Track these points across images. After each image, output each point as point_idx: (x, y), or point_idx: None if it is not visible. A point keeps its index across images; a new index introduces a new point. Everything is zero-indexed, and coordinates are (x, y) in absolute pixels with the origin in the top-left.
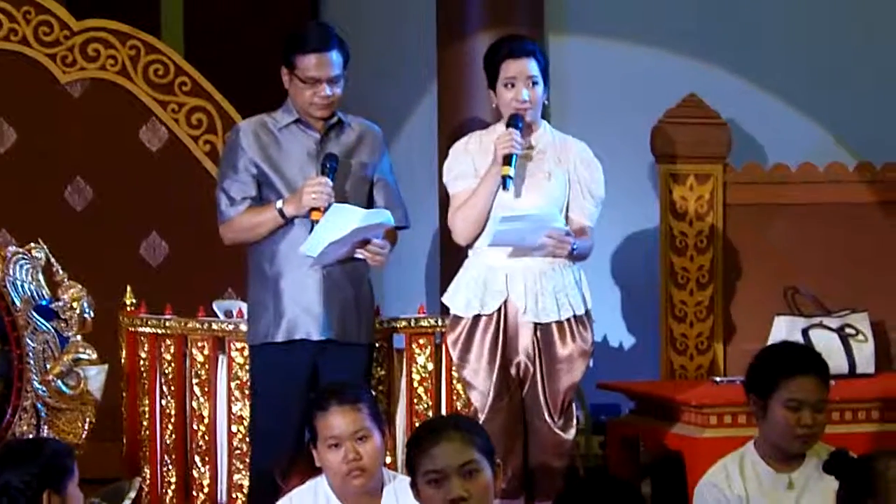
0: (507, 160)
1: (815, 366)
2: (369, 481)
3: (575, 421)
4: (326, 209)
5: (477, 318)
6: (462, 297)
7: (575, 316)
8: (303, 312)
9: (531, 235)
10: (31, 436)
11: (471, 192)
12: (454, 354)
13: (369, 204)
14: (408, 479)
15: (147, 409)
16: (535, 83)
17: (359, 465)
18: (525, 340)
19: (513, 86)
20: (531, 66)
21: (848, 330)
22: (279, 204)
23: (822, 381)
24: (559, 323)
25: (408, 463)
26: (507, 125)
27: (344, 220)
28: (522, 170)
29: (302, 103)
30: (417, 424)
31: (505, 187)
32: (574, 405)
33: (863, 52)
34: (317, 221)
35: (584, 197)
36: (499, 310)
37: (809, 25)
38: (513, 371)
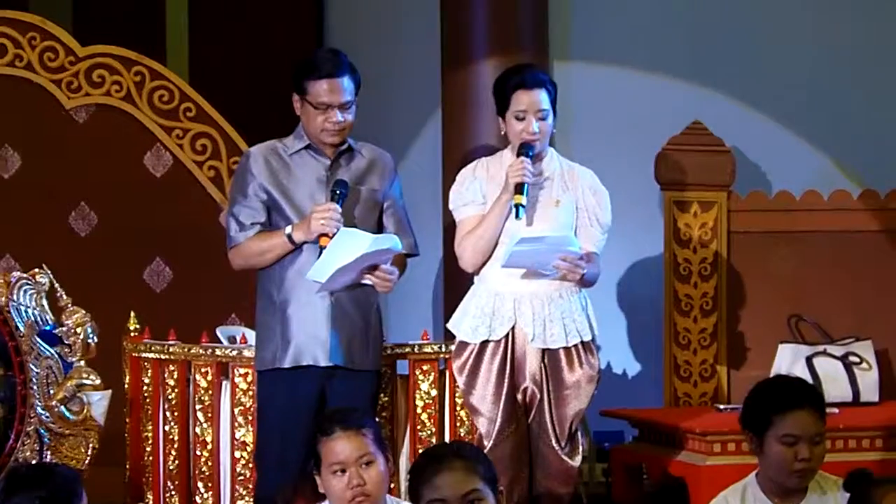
0: (520, 189)
1: (809, 399)
2: None
3: (581, 448)
4: (335, 235)
5: (484, 344)
6: (469, 323)
7: (582, 342)
8: (309, 338)
9: (545, 258)
10: (34, 461)
11: (478, 218)
12: (460, 381)
13: (379, 231)
14: None
15: (150, 434)
16: (545, 116)
17: (363, 490)
18: (532, 366)
19: (523, 118)
20: (542, 99)
21: (852, 358)
22: (288, 230)
23: (817, 414)
24: (566, 349)
25: (410, 491)
26: (518, 154)
27: (352, 246)
28: (531, 197)
29: (313, 129)
30: (420, 451)
31: (517, 216)
32: (580, 432)
33: (868, 80)
34: (325, 247)
35: (592, 224)
36: (506, 336)
37: (814, 53)
38: (520, 397)
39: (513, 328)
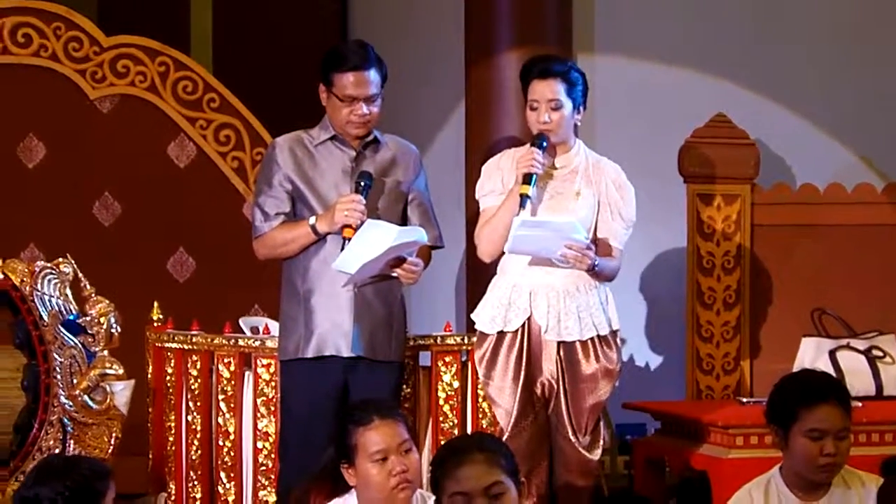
0: (527, 179)
1: (835, 394)
2: (412, 494)
3: (601, 441)
4: (359, 227)
5: (502, 335)
6: (487, 313)
7: (599, 336)
8: (333, 328)
9: (551, 244)
10: (57, 450)
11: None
12: (480, 371)
13: (403, 223)
14: (431, 496)
15: (173, 424)
16: (558, 106)
17: (406, 476)
18: (549, 359)
19: (536, 108)
20: (554, 89)
21: (875, 352)
22: (312, 220)
23: (842, 409)
24: (583, 342)
25: (432, 483)
26: (532, 144)
27: (379, 238)
28: (552, 188)
29: (339, 121)
30: (442, 443)
31: (522, 206)
32: (601, 425)
33: (892, 73)
34: (348, 239)
35: (614, 219)
36: (523, 327)
37: (837, 46)
38: (538, 389)
39: (529, 320)
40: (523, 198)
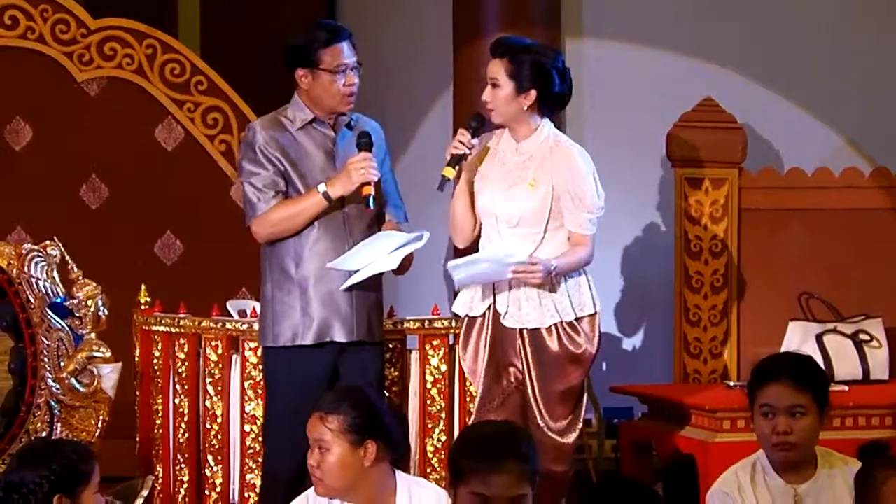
0: (454, 161)
1: (788, 371)
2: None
3: (579, 426)
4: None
5: (472, 319)
6: (462, 298)
7: (564, 322)
8: (333, 315)
9: (494, 271)
10: (44, 433)
11: None
12: (458, 352)
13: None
14: (424, 482)
15: (160, 407)
16: (495, 84)
17: (312, 471)
18: (512, 345)
19: (486, 87)
20: (495, 68)
21: (862, 336)
22: (322, 187)
23: (797, 386)
24: (548, 328)
25: (453, 464)
26: (465, 123)
27: (382, 245)
28: (509, 177)
29: (331, 98)
30: (471, 424)
31: (440, 188)
32: (580, 410)
33: (880, 57)
34: (370, 195)
35: (576, 206)
36: (489, 312)
37: (826, 30)
38: (508, 374)
39: (495, 307)
40: (443, 180)
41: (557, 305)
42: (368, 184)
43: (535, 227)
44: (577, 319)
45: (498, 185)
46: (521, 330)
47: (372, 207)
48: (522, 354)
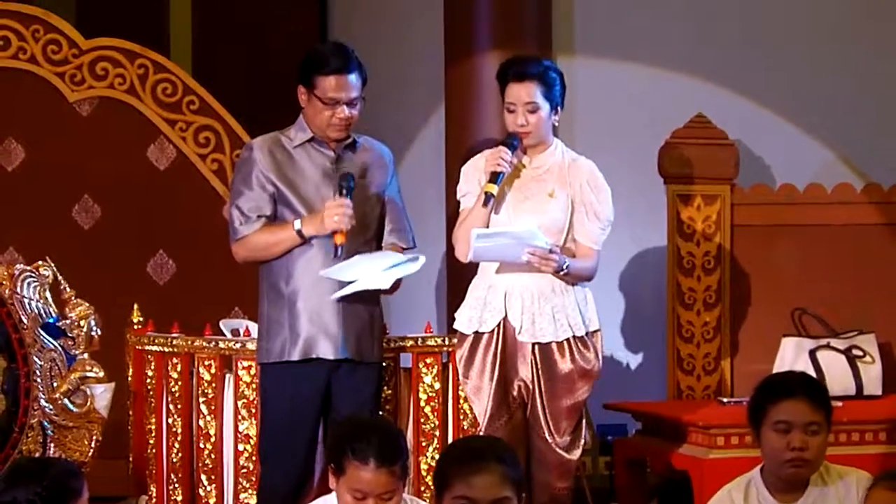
0: (494, 178)
1: (803, 388)
2: None
3: (581, 442)
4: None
5: (479, 335)
6: (465, 314)
7: (575, 336)
8: (319, 332)
9: (512, 251)
10: (37, 454)
11: None
12: (459, 370)
13: (381, 224)
14: (419, 501)
15: (154, 427)
16: (534, 109)
17: None
18: (524, 360)
19: (513, 111)
20: (531, 92)
21: (855, 351)
22: (297, 225)
23: (812, 404)
24: (559, 343)
25: (439, 475)
26: (503, 143)
27: (380, 264)
28: (525, 189)
29: (319, 123)
30: (458, 440)
31: (485, 204)
32: (582, 426)
33: (870, 73)
34: (342, 245)
35: (589, 219)
36: (499, 328)
37: (817, 47)
38: (514, 390)
39: (505, 321)
40: (488, 196)
41: (570, 320)
42: (341, 232)
43: (554, 237)
44: (586, 334)
45: (513, 197)
46: (533, 345)
47: (340, 256)
48: (533, 369)
